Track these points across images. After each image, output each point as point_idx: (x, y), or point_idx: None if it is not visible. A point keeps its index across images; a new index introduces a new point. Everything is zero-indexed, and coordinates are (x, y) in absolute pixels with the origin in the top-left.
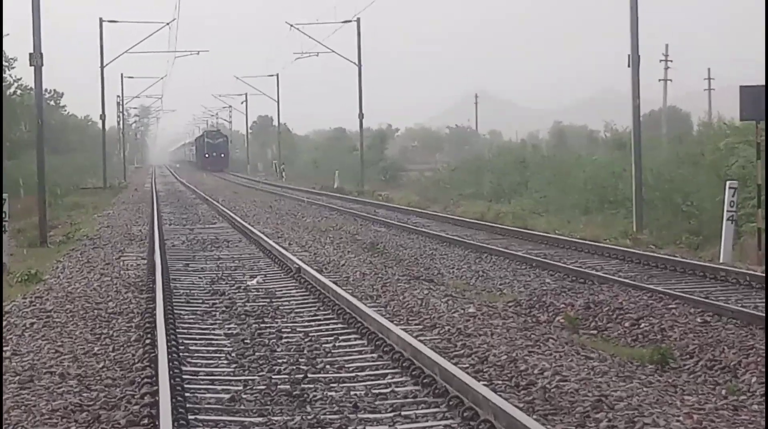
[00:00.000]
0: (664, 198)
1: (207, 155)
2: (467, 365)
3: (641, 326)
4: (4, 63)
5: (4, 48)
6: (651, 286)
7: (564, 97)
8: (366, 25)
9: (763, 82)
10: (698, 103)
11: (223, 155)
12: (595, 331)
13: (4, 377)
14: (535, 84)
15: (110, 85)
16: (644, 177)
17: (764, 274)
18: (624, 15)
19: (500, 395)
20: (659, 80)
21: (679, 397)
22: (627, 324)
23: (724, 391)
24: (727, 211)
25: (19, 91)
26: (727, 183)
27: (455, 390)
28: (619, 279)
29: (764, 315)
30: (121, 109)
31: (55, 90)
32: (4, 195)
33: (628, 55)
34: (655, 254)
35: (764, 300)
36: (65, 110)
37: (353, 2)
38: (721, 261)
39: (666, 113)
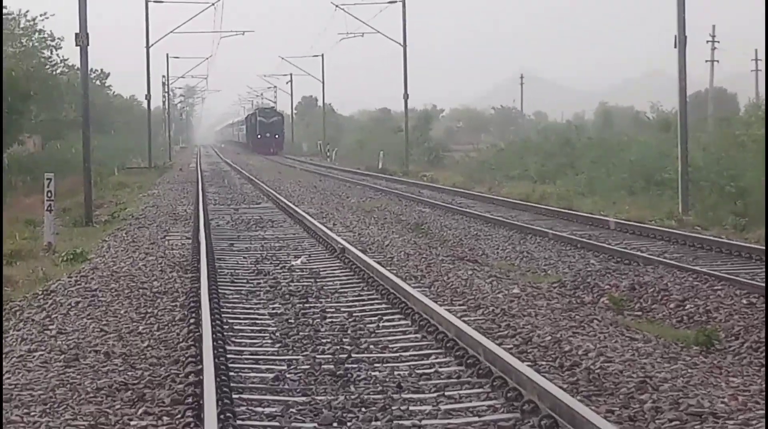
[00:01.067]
0: (711, 179)
1: (259, 136)
2: (511, 346)
3: (686, 308)
4: (50, 43)
5: (51, 29)
6: (696, 268)
7: (610, 78)
8: (411, 5)
9: None
10: (745, 84)
11: (277, 136)
12: (639, 313)
13: (49, 354)
14: (581, 65)
15: (156, 65)
16: (692, 158)
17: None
18: None
19: (544, 376)
20: (706, 61)
21: (724, 379)
22: (672, 305)
23: None
24: None
25: (65, 71)
26: None
27: (499, 370)
28: (665, 260)
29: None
30: (166, 89)
31: (101, 70)
32: (50, 174)
33: (675, 36)
34: (701, 235)
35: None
36: (111, 90)
37: None
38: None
39: (712, 94)
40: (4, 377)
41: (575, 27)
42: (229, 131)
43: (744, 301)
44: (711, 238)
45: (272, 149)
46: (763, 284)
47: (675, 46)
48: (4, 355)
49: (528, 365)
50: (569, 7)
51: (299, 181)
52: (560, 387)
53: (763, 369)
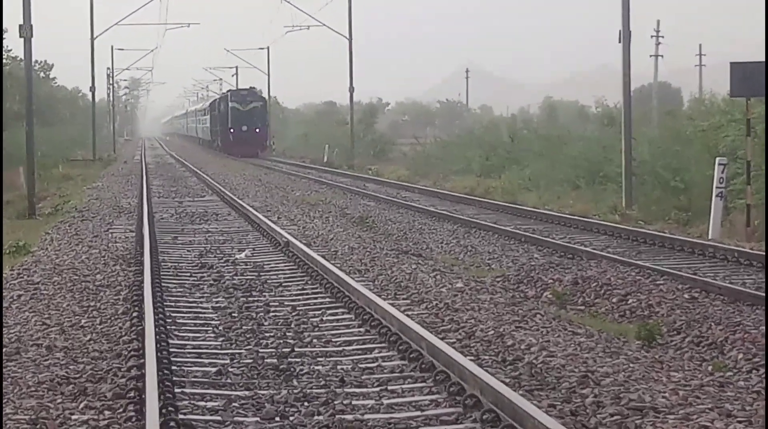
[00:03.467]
0: (654, 173)
1: (233, 130)
2: (454, 340)
3: (629, 302)
4: None
5: None
6: (639, 262)
7: (556, 72)
8: None
9: (754, 59)
10: (689, 79)
11: (259, 130)
12: (582, 307)
13: None
14: (527, 59)
15: (101, 57)
16: (638, 152)
17: (764, 253)
18: None
19: (486, 370)
20: (650, 56)
21: (665, 374)
22: (614, 300)
23: (710, 368)
24: (716, 187)
25: (8, 62)
26: (717, 159)
27: (442, 365)
28: (608, 255)
29: (764, 294)
30: (111, 82)
31: (45, 61)
32: None
33: (619, 31)
34: (644, 230)
35: (764, 279)
36: (55, 82)
37: None
38: (709, 237)
39: (656, 89)
40: None
41: (522, 20)
42: (180, 124)
43: (686, 296)
44: (654, 232)
45: (253, 149)
46: (705, 279)
47: (619, 41)
48: None
49: (471, 360)
50: (517, 0)
51: (244, 173)
52: (502, 381)
53: (705, 363)
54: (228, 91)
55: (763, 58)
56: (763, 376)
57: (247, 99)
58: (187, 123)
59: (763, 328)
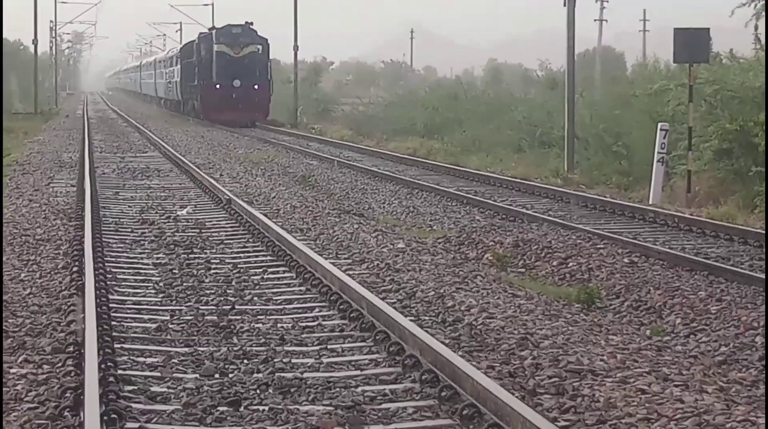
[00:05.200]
0: (596, 138)
1: (219, 86)
2: (395, 300)
3: (569, 265)
4: None
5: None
6: (580, 226)
7: (501, 34)
8: None
9: (696, 26)
10: (633, 43)
11: (258, 87)
12: (522, 269)
13: None
14: (472, 20)
15: (43, 9)
16: (579, 116)
17: (764, 232)
18: None
19: (426, 331)
20: (594, 20)
21: (603, 337)
22: (555, 263)
23: (648, 332)
24: (658, 152)
25: None
26: (659, 124)
27: (382, 325)
28: (549, 218)
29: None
30: (54, 35)
31: None
32: None
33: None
34: (585, 194)
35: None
36: None
37: None
38: (650, 202)
39: (600, 53)
40: None
41: None
42: (130, 78)
43: (626, 260)
44: (595, 196)
45: (249, 114)
46: (644, 244)
47: (564, 5)
48: None
49: (411, 320)
50: None
51: (186, 130)
52: (442, 342)
53: (643, 327)
54: (211, 28)
55: (705, 25)
56: (701, 340)
57: (241, 40)
58: (140, 78)
59: (702, 292)
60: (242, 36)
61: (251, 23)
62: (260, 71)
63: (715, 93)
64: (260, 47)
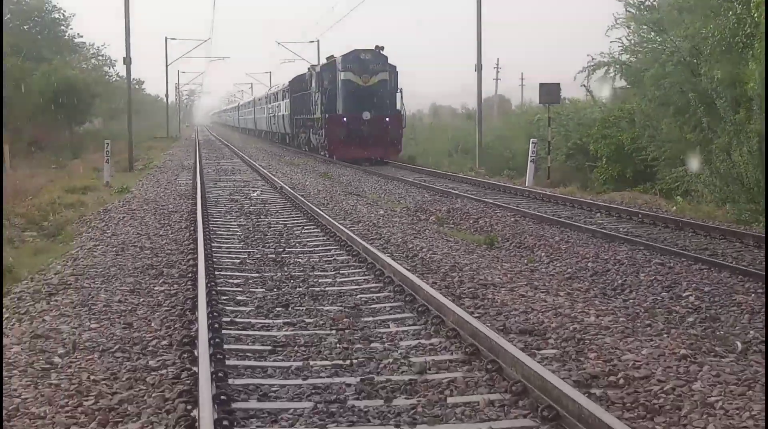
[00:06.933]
0: (495, 148)
1: (347, 119)
2: (378, 245)
3: (479, 223)
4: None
5: (109, 53)
6: (485, 200)
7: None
8: None
9: (552, 82)
10: (516, 93)
11: (388, 119)
12: (453, 225)
13: (106, 247)
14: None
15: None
16: (485, 135)
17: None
18: (472, 40)
19: (397, 262)
20: (493, 79)
21: (499, 264)
22: (471, 221)
23: (525, 261)
24: (530, 156)
25: (117, 79)
26: (531, 140)
27: (371, 259)
28: (467, 195)
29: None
30: (177, 92)
31: (139, 78)
32: (108, 141)
33: (475, 64)
34: (488, 181)
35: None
36: (144, 90)
37: None
38: (526, 185)
39: (496, 99)
40: (78, 260)
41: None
42: (229, 116)
43: (512, 219)
44: (494, 182)
45: (379, 150)
46: (523, 210)
47: (475, 70)
48: (80, 246)
49: (387, 255)
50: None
51: (257, 146)
52: (406, 268)
53: (522, 258)
54: (339, 57)
55: (558, 81)
56: (556, 265)
57: (371, 67)
58: (239, 115)
59: (557, 237)
60: (372, 62)
61: (382, 47)
62: (390, 100)
63: (567, 120)
64: (388, 73)
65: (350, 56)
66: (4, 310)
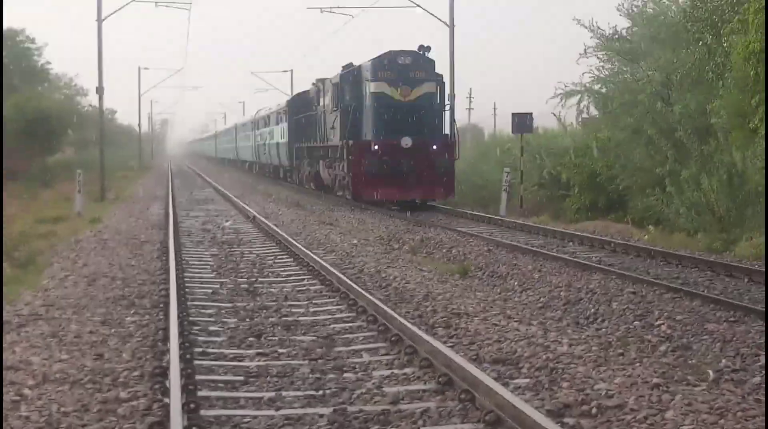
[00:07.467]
0: (467, 177)
1: (377, 146)
2: (351, 274)
3: (452, 252)
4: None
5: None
6: (459, 229)
7: None
8: None
9: (524, 111)
10: (488, 122)
11: (436, 147)
12: (426, 255)
13: (77, 278)
14: None
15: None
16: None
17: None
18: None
19: (370, 292)
20: (466, 109)
21: (472, 293)
22: (444, 250)
23: (498, 290)
24: (503, 185)
25: (89, 109)
26: (504, 168)
27: (345, 289)
28: (440, 225)
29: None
30: (149, 122)
31: (110, 108)
32: (80, 170)
33: (448, 95)
34: (461, 210)
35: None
36: (117, 120)
37: None
38: (500, 214)
39: (470, 128)
40: (49, 291)
41: None
42: (206, 145)
43: (485, 249)
44: (467, 211)
45: (427, 190)
46: (496, 239)
47: (447, 101)
48: (50, 277)
49: (360, 286)
50: None
51: (230, 176)
52: (379, 298)
53: (495, 287)
54: (347, 65)
55: (530, 110)
56: (529, 294)
57: (412, 75)
58: (217, 143)
59: (530, 266)
60: (413, 68)
61: (428, 48)
62: (439, 122)
63: (538, 149)
64: (435, 84)
65: (383, 60)
66: None
